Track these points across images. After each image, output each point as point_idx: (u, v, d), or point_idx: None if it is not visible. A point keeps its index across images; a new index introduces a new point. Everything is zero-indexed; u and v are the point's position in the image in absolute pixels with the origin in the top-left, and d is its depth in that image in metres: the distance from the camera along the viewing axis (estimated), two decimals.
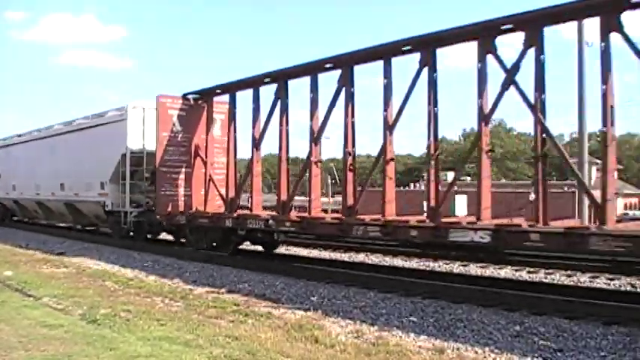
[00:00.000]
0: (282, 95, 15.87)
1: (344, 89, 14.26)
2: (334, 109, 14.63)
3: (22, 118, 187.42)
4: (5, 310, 10.44)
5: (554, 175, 54.89)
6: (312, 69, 15.22)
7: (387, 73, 13.40)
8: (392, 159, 13.49)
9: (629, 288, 12.50)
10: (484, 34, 11.68)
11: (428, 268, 15.55)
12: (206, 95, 19.36)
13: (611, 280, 13.13)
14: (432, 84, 12.48)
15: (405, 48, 13.17)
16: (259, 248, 19.34)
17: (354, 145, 14.34)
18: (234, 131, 17.86)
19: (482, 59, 11.70)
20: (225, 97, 18.50)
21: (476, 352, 8.22)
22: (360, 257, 18.03)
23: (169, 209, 19.43)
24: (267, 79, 16.59)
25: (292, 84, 15.98)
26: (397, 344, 8.55)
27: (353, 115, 14.22)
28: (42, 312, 10.41)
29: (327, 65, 14.89)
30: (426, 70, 12.61)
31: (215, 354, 7.67)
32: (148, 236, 22.24)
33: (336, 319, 10.19)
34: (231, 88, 18.14)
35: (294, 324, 9.64)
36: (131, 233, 21.87)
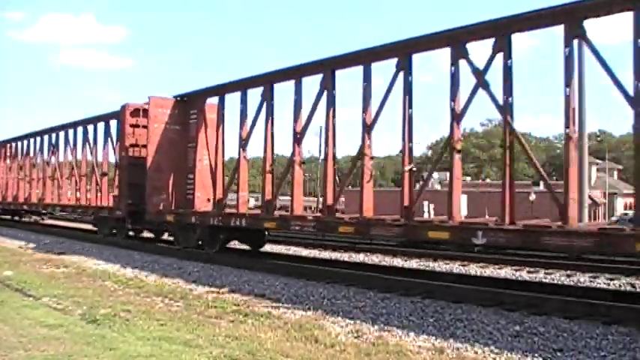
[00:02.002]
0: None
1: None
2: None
3: (22, 117, 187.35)
4: (5, 310, 10.44)
5: (554, 176, 54.92)
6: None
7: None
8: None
9: (628, 288, 12.51)
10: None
11: (428, 268, 15.55)
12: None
13: (611, 280, 13.15)
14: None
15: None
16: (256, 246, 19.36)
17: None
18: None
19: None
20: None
21: (475, 352, 8.22)
22: (360, 257, 18.04)
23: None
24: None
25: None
26: (397, 344, 8.55)
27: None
28: (42, 312, 10.41)
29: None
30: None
31: (215, 354, 7.68)
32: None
33: (336, 319, 10.19)
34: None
35: (294, 324, 9.65)
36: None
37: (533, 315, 9.77)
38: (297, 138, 15.31)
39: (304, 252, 19.80)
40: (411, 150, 12.68)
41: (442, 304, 10.78)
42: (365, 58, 13.72)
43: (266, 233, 19.33)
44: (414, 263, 16.62)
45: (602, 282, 13.02)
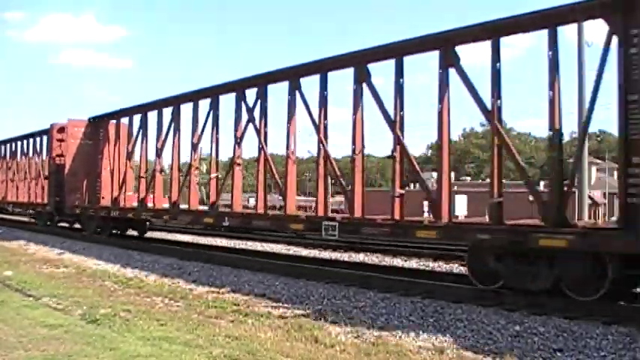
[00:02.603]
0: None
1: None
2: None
3: (23, 117, 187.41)
4: (5, 310, 10.45)
5: None
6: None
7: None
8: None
9: None
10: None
11: (427, 268, 15.54)
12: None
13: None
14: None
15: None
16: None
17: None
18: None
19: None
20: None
21: (476, 352, 8.23)
22: (360, 257, 18.04)
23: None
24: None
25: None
26: (397, 344, 8.56)
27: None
28: (42, 312, 10.42)
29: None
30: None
31: (215, 354, 7.68)
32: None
33: (336, 319, 10.20)
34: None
35: (294, 324, 9.65)
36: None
37: (532, 315, 9.76)
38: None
39: (304, 252, 19.80)
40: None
41: (442, 304, 10.77)
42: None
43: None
44: (413, 263, 16.61)
45: None
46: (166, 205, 20.85)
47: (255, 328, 9.36)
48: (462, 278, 13.04)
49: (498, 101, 11.17)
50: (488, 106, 11.22)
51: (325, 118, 14.42)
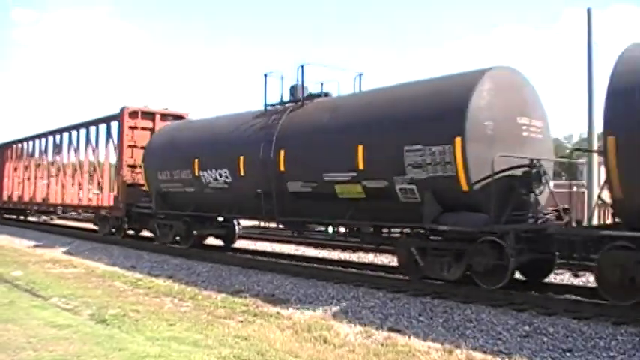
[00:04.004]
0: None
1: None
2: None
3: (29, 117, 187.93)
4: (14, 310, 10.48)
5: (563, 175, 54.81)
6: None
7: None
8: None
9: None
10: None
11: None
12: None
13: None
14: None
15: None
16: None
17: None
18: None
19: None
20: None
21: (485, 353, 8.21)
22: (370, 257, 18.00)
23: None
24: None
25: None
26: (406, 344, 8.55)
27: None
28: (51, 312, 10.45)
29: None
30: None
31: (224, 354, 7.69)
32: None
33: (345, 320, 10.19)
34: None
35: (303, 324, 9.65)
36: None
37: (542, 315, 9.73)
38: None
39: (313, 252, 19.77)
40: None
41: (451, 304, 10.74)
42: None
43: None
44: None
45: None
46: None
47: (264, 328, 9.37)
48: (471, 278, 13.03)
49: None
50: None
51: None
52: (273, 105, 16.11)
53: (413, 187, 11.69)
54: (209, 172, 16.84)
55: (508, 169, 11.08)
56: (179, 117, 23.68)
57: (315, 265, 15.78)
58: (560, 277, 13.56)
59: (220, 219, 19.40)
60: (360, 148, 12.43)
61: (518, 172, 11.29)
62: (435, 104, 11.67)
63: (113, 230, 23.48)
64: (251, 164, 15.26)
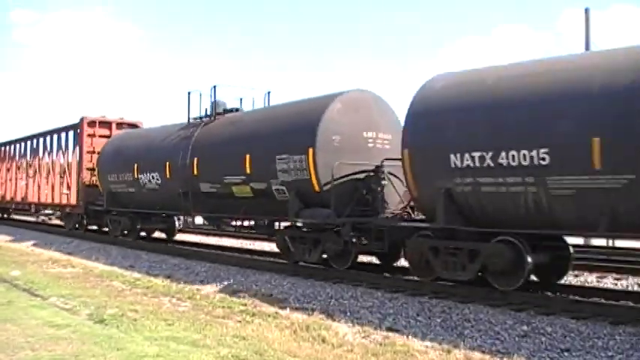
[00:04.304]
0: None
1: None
2: None
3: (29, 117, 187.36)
4: (12, 310, 10.48)
5: None
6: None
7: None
8: None
9: (636, 288, 12.46)
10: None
11: None
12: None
13: (619, 280, 13.09)
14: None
15: None
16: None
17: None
18: None
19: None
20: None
21: (483, 352, 8.22)
22: (368, 257, 18.01)
23: None
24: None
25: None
26: (404, 344, 8.55)
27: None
28: (49, 312, 10.45)
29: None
30: None
31: (222, 354, 7.69)
32: None
33: (343, 319, 10.19)
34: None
35: (302, 324, 9.66)
36: None
37: (540, 315, 9.74)
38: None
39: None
40: None
41: (449, 304, 10.74)
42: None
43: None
44: None
45: (609, 282, 12.97)
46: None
47: (263, 328, 9.37)
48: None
49: None
50: None
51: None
52: (195, 119, 19.03)
53: (283, 187, 14.45)
54: (145, 174, 19.94)
55: (352, 174, 13.58)
56: (133, 125, 26.70)
57: (313, 265, 15.77)
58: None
59: (163, 215, 22.47)
60: (248, 156, 15.35)
61: (361, 175, 13.64)
62: (297, 122, 14.58)
63: (77, 226, 26.56)
64: (175, 169, 18.23)
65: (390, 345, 8.50)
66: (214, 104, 18.52)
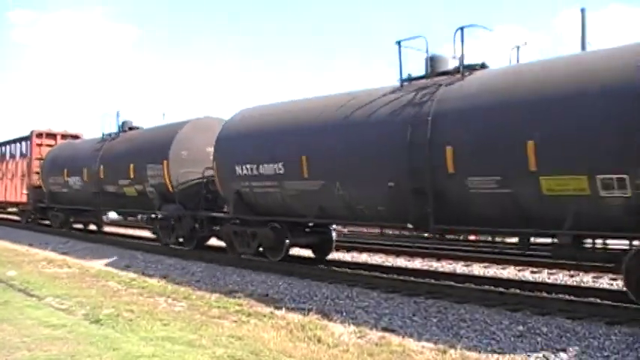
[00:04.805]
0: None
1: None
2: None
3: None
4: (8, 310, 10.46)
5: None
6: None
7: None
8: None
9: None
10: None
11: (431, 269, 15.51)
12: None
13: (614, 280, 13.10)
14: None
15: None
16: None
17: None
18: None
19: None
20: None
21: (479, 352, 8.23)
22: (363, 257, 18.02)
23: None
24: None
25: None
26: (400, 344, 8.56)
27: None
28: (45, 312, 10.44)
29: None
30: None
31: (218, 354, 7.69)
32: None
33: (339, 319, 10.19)
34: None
35: (297, 324, 9.65)
36: None
37: (536, 315, 9.75)
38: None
39: (307, 252, 19.77)
40: None
41: (445, 304, 10.75)
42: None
43: None
44: (417, 263, 16.59)
45: (605, 282, 12.99)
46: None
47: (259, 328, 9.37)
48: (465, 278, 13.07)
49: None
50: None
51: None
52: (108, 135, 24.14)
53: (153, 189, 19.62)
54: (72, 177, 25.15)
55: (195, 179, 18.58)
56: (75, 136, 31.75)
57: (308, 265, 15.78)
58: (555, 276, 13.61)
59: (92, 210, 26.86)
60: (132, 165, 20.52)
61: (204, 180, 18.22)
62: (160, 139, 19.74)
63: (29, 220, 31.43)
64: (90, 173, 23.48)
65: (385, 345, 8.50)
66: (120, 125, 23.94)
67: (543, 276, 13.85)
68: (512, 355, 8.00)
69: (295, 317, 10.36)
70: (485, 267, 15.29)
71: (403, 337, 9.09)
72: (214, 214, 17.84)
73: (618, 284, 12.73)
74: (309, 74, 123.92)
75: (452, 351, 8.24)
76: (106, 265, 17.83)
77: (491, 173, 10.29)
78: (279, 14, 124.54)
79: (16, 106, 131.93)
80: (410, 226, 12.10)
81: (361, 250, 19.05)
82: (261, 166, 14.80)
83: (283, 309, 11.12)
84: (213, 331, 9.12)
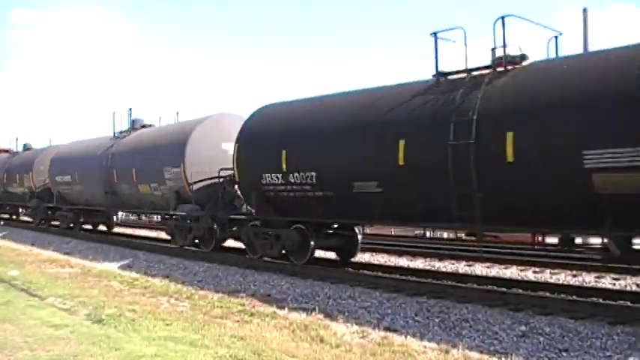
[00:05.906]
0: None
1: None
2: None
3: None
4: (11, 310, 10.48)
5: None
6: None
7: None
8: None
9: (634, 288, 12.46)
10: None
11: (433, 269, 15.49)
12: None
13: (617, 280, 13.09)
14: None
15: None
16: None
17: None
18: None
19: None
20: None
21: (481, 352, 8.22)
22: (366, 257, 18.00)
23: None
24: None
25: None
26: (402, 344, 8.55)
27: None
28: (47, 312, 10.45)
29: None
30: None
31: (220, 354, 7.68)
32: None
33: (341, 319, 10.19)
34: None
35: (300, 324, 9.65)
36: None
37: (538, 315, 9.74)
38: None
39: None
40: None
41: (448, 304, 10.75)
42: None
43: None
44: (419, 263, 16.57)
45: (607, 282, 12.97)
46: None
47: (261, 328, 9.36)
48: (468, 278, 13.05)
49: None
50: None
51: None
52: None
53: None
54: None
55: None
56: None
57: (310, 265, 15.76)
58: (557, 276, 13.59)
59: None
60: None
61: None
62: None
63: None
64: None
65: (388, 345, 8.49)
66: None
67: (545, 276, 13.83)
68: (514, 355, 7.98)
69: (298, 317, 10.36)
70: (487, 267, 15.26)
71: (405, 337, 9.08)
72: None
73: (620, 284, 12.73)
74: (315, 66, 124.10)
75: (454, 351, 8.23)
76: (109, 264, 17.82)
77: None
78: (284, 11, 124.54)
79: (15, 106, 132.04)
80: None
81: (364, 250, 19.02)
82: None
83: (286, 309, 11.12)
84: (216, 330, 9.12)
